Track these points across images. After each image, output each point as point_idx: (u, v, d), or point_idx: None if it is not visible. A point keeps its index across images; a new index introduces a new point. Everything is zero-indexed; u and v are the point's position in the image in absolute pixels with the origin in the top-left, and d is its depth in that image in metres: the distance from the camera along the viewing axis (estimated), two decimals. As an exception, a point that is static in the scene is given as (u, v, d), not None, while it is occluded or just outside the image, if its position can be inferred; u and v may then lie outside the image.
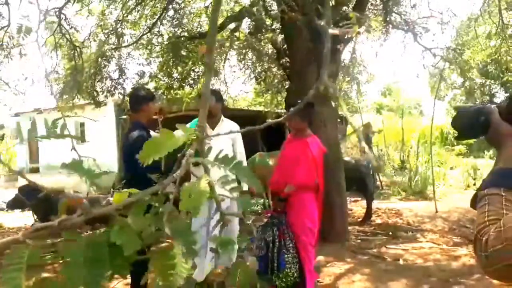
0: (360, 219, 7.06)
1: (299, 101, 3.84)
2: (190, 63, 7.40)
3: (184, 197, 0.68)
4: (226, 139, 3.89)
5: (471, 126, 1.16)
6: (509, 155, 1.03)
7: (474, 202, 1.03)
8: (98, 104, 6.90)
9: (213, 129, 3.88)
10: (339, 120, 16.21)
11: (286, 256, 3.39)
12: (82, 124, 14.95)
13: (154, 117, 3.62)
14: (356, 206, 8.52)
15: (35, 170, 16.03)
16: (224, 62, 8.94)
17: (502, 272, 0.86)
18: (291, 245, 3.44)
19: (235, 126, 4.07)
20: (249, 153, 7.85)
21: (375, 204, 8.37)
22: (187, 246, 0.67)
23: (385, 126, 14.96)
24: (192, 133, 0.78)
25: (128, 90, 6.46)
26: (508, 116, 1.07)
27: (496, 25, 7.98)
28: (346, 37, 2.65)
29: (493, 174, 1.03)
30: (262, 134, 12.69)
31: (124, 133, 3.27)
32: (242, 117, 12.30)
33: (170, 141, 0.72)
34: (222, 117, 4.00)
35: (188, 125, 3.67)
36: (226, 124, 3.98)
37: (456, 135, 1.27)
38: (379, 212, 7.78)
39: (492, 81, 20.76)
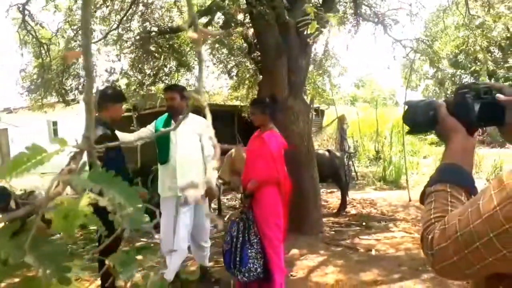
0: (335, 210, 7.16)
1: (266, 97, 3.87)
2: (161, 58, 7.29)
3: (56, 218, 0.61)
4: (192, 134, 3.85)
5: (421, 120, 1.16)
6: (454, 150, 1.03)
7: (423, 199, 1.03)
8: (67, 103, 6.74)
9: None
10: (315, 113, 16.39)
11: (249, 251, 3.40)
12: (54, 123, 14.63)
13: (128, 114, 3.58)
14: (332, 197, 8.62)
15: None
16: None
17: (448, 270, 0.86)
18: (255, 240, 3.45)
19: (201, 121, 4.02)
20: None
21: (350, 194, 8.50)
22: (59, 274, 0.58)
23: (360, 117, 15.16)
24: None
25: (99, 87, 6.32)
26: (454, 110, 1.07)
27: (463, 16, 8.15)
28: (306, 32, 2.64)
29: (439, 170, 1.04)
30: (239, 128, 12.65)
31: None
32: (218, 112, 12.29)
33: (39, 157, 0.62)
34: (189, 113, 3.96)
35: (155, 121, 3.64)
36: (192, 120, 3.94)
37: (407, 130, 1.28)
38: (354, 203, 7.91)
39: (463, 71, 21.26)
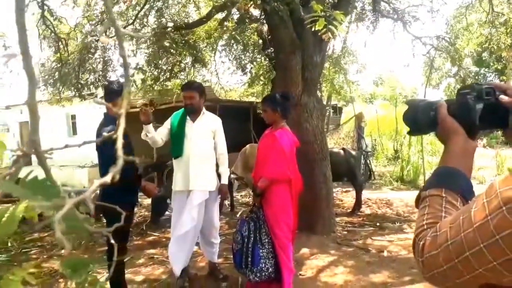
0: (350, 210, 7.07)
1: (276, 94, 3.82)
2: (177, 54, 7.32)
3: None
4: (207, 131, 3.90)
5: (421, 121, 1.11)
6: (452, 153, 0.98)
7: (418, 203, 0.99)
8: (82, 97, 6.84)
9: (194, 121, 3.87)
10: (332, 110, 16.24)
11: (261, 251, 3.37)
12: (73, 116, 14.90)
13: (146, 108, 3.60)
14: (347, 197, 8.52)
15: (27, 163, 15.95)
16: (214, 54, 8.86)
17: (438, 279, 0.83)
18: (266, 240, 3.42)
19: (216, 119, 4.05)
20: (242, 143, 7.84)
21: (366, 194, 8.38)
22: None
23: (379, 116, 14.95)
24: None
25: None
26: (455, 111, 1.02)
27: (487, 13, 7.91)
28: (314, 29, 2.58)
29: (435, 174, 0.99)
30: (254, 124, 12.64)
31: (97, 128, 3.23)
32: (234, 108, 12.32)
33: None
34: (204, 110, 3.97)
35: (171, 118, 3.65)
36: (207, 117, 3.97)
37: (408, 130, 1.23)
38: (369, 203, 7.79)
39: (486, 70, 20.70)
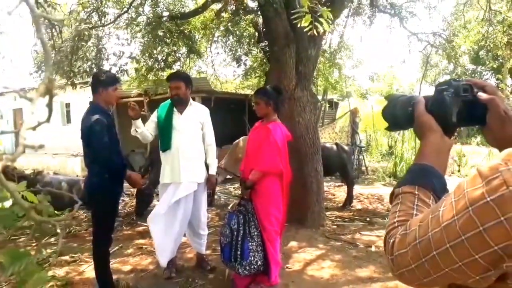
0: (341, 204, 7.09)
1: (269, 87, 3.80)
2: (171, 44, 7.26)
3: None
4: (195, 122, 3.87)
5: (400, 117, 1.10)
6: (427, 150, 0.97)
7: (392, 199, 0.98)
8: (74, 85, 6.78)
9: (181, 113, 3.84)
10: (328, 104, 16.21)
11: (250, 244, 3.37)
12: (67, 105, 14.79)
13: (139, 99, 3.58)
14: (340, 191, 8.55)
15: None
16: (211, 45, 8.80)
17: (407, 277, 0.82)
18: (256, 233, 3.41)
19: (204, 109, 4.02)
20: (236, 136, 7.82)
21: (359, 189, 8.41)
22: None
23: (375, 111, 14.94)
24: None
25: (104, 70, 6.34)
26: (432, 107, 1.00)
27: (485, 11, 7.89)
28: (299, 25, 2.56)
29: (409, 171, 0.98)
30: (249, 116, 12.61)
31: (83, 116, 3.20)
32: (229, 101, 12.27)
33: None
34: (191, 100, 3.94)
35: (157, 110, 3.62)
36: (195, 108, 3.93)
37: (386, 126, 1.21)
38: (361, 198, 7.82)
39: (483, 68, 20.72)
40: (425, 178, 0.91)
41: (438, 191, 0.90)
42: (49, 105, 0.65)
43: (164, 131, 3.85)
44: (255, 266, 3.37)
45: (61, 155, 13.31)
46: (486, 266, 0.68)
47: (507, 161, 0.66)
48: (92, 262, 3.60)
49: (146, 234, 5.49)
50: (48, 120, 0.71)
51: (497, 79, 20.84)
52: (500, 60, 16.36)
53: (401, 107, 1.09)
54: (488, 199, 0.65)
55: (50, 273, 4.08)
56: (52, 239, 5.27)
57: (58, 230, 0.67)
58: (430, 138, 0.96)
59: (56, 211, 5.36)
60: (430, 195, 0.89)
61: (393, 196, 0.96)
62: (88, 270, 4.10)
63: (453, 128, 1.00)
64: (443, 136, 0.97)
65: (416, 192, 0.89)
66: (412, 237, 0.78)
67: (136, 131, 3.77)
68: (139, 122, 3.72)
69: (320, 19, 2.48)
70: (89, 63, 5.99)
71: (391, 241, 0.84)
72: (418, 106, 1.02)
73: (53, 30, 6.96)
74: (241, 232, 3.39)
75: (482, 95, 0.93)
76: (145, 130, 3.82)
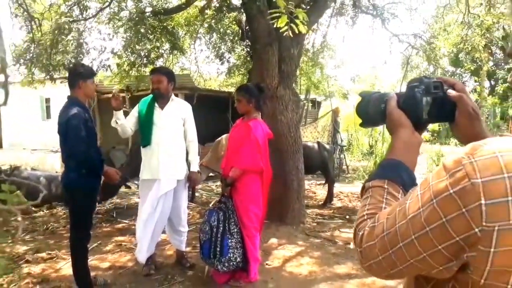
0: (321, 202, 7.16)
1: (252, 85, 3.81)
2: (154, 40, 7.19)
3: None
4: (176, 118, 3.85)
5: (373, 113, 1.12)
6: (397, 145, 0.99)
7: (363, 193, 1.00)
8: (53, 79, 6.66)
9: (162, 108, 3.81)
10: (311, 104, 16.29)
11: (229, 241, 3.38)
12: (47, 100, 14.52)
13: (121, 94, 3.54)
14: (321, 189, 8.62)
15: (-2, 146, 15.52)
16: (194, 42, 8.75)
17: (375, 269, 0.84)
18: (235, 230, 3.42)
19: (186, 105, 4.00)
20: (219, 133, 7.80)
21: (339, 187, 8.50)
22: None
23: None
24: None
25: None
26: (403, 104, 1.02)
27: (463, 14, 8.06)
28: (275, 26, 2.58)
29: (380, 165, 1.00)
30: (233, 113, 12.61)
31: (60, 110, 3.15)
32: (213, 98, 12.23)
33: None
34: (173, 96, 3.92)
35: (138, 104, 3.59)
36: (176, 104, 3.91)
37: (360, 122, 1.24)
38: (341, 196, 7.91)
39: (462, 70, 21.18)
40: (395, 173, 0.93)
41: (407, 185, 0.92)
42: (5, 86, 0.65)
43: (145, 126, 3.81)
44: (234, 263, 3.38)
45: (40, 150, 13.05)
46: (449, 256, 0.70)
47: (470, 154, 0.68)
48: (70, 259, 3.56)
49: (125, 231, 5.45)
50: (5, 103, 0.71)
51: (475, 81, 21.35)
52: (478, 63, 16.76)
53: (374, 104, 1.11)
54: (451, 191, 0.67)
55: (25, 270, 4.01)
56: (27, 236, 5.18)
57: (19, 218, 0.67)
58: (401, 134, 0.98)
59: (34, 208, 5.23)
60: (399, 189, 0.91)
61: (363, 190, 0.99)
62: (65, 267, 4.04)
63: (423, 124, 1.02)
64: (413, 132, 0.99)
65: (386, 186, 0.91)
66: (380, 229, 0.80)
67: (117, 123, 3.72)
68: (120, 113, 3.68)
69: (296, 20, 2.50)
70: (69, 56, 5.88)
71: (360, 233, 0.86)
72: (390, 102, 1.04)
73: (32, 22, 6.81)
74: (221, 228, 3.40)
75: (451, 92, 0.96)
76: (125, 122, 3.78)
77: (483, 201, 0.64)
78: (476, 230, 0.65)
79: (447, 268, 0.72)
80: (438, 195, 0.69)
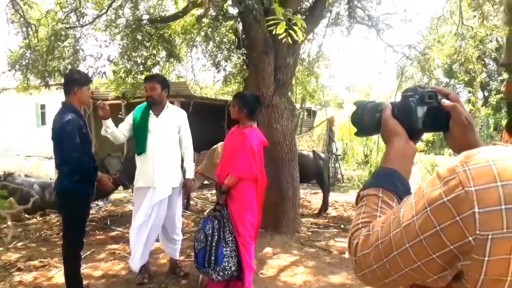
0: (316, 211, 7.15)
1: (249, 94, 3.82)
2: (151, 47, 7.20)
3: None
4: (171, 125, 3.84)
5: (367, 122, 1.12)
6: (392, 154, 0.99)
7: (357, 202, 1.00)
8: (47, 85, 6.64)
9: (157, 115, 3.81)
10: (306, 113, 16.32)
11: (224, 249, 3.35)
12: (43, 106, 14.46)
13: (117, 101, 3.54)
14: (316, 198, 8.62)
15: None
16: (191, 50, 8.77)
17: (369, 278, 0.83)
18: (230, 238, 3.40)
19: (181, 113, 4.00)
20: (215, 141, 7.79)
21: (334, 196, 8.50)
22: None
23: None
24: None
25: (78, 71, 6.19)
26: (398, 113, 1.03)
27: (457, 26, 8.15)
28: (274, 32, 2.60)
29: (374, 174, 1.00)
30: (228, 122, 12.62)
31: (54, 116, 3.14)
32: (209, 106, 12.23)
33: None
34: (168, 103, 3.92)
35: (133, 112, 3.58)
36: (171, 111, 3.91)
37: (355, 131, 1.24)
38: (336, 205, 7.91)
39: (456, 81, 21.37)
40: (389, 181, 0.94)
41: (401, 194, 0.92)
42: None
43: (139, 133, 3.80)
44: (229, 272, 3.35)
45: (35, 157, 12.96)
46: (443, 265, 0.70)
47: (464, 163, 0.68)
48: (62, 267, 3.52)
49: (119, 239, 5.40)
50: None
51: (469, 92, 21.54)
52: (472, 74, 16.91)
53: (369, 113, 1.11)
54: (445, 199, 0.67)
55: (17, 278, 3.97)
56: (20, 244, 5.12)
57: (9, 223, 0.66)
58: (395, 143, 0.99)
59: (27, 215, 5.19)
60: (394, 198, 0.91)
61: (358, 199, 0.99)
62: (58, 276, 3.99)
63: (418, 133, 1.03)
64: (408, 141, 0.99)
65: (380, 195, 0.91)
66: (375, 237, 0.80)
67: (106, 131, 3.71)
68: (109, 122, 3.66)
69: (295, 27, 2.51)
70: (65, 62, 5.87)
71: (355, 242, 0.86)
72: (384, 111, 1.04)
73: (29, 29, 6.81)
74: (216, 237, 3.38)
75: (445, 102, 0.97)
76: (116, 130, 3.76)
77: (476, 210, 0.64)
78: (470, 238, 0.65)
79: (441, 277, 0.72)
80: (432, 203, 0.69)
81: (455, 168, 0.69)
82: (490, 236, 0.63)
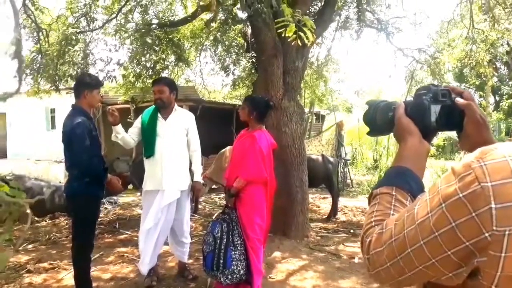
0: (325, 216, 7.10)
1: (261, 97, 3.82)
2: (160, 51, 7.25)
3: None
4: (180, 128, 3.85)
5: (380, 121, 1.11)
6: (405, 153, 0.98)
7: (370, 201, 0.98)
8: (58, 89, 6.72)
9: (166, 119, 3.82)
10: (315, 117, 16.30)
11: (233, 253, 3.33)
12: (53, 110, 14.61)
13: (126, 106, 3.56)
14: (324, 203, 8.57)
15: (2, 156, 15.58)
16: (200, 54, 8.82)
17: (382, 276, 0.82)
18: (239, 241, 3.38)
19: (189, 115, 4.01)
20: (223, 145, 7.79)
21: (343, 201, 8.44)
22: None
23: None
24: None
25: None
26: (411, 111, 1.02)
27: (468, 29, 8.09)
28: (283, 35, 2.59)
29: (387, 173, 0.99)
30: (237, 126, 12.64)
31: (64, 119, 3.16)
32: (217, 110, 12.26)
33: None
34: (176, 106, 3.93)
35: (141, 115, 3.60)
36: (179, 114, 3.92)
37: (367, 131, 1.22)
38: (345, 210, 7.84)
39: (467, 85, 21.19)
40: (403, 180, 0.92)
41: (415, 193, 0.90)
42: (19, 72, 0.64)
43: (148, 137, 3.81)
44: (238, 275, 3.33)
45: (44, 161, 13.08)
46: (458, 262, 0.69)
47: (480, 158, 0.67)
48: (72, 270, 3.53)
49: (127, 242, 5.41)
50: (18, 90, 0.70)
51: (480, 96, 21.34)
52: (483, 78, 16.75)
53: (381, 112, 1.10)
54: (461, 195, 0.66)
55: (27, 280, 3.99)
56: (30, 246, 5.16)
57: (28, 211, 0.66)
58: (409, 142, 0.97)
59: (36, 218, 5.22)
60: (407, 196, 0.90)
61: (371, 197, 0.97)
62: (67, 278, 4.01)
63: (431, 132, 1.01)
64: (421, 140, 0.98)
65: (394, 193, 0.90)
66: (388, 235, 0.78)
67: (117, 137, 3.72)
68: (119, 127, 3.68)
69: (304, 28, 2.50)
70: (75, 67, 5.94)
71: (368, 240, 0.85)
72: (398, 110, 1.03)
73: (40, 33, 6.90)
74: (224, 240, 3.36)
75: (459, 100, 0.95)
76: (126, 135, 3.78)
77: (493, 205, 0.63)
78: (486, 234, 0.64)
79: (456, 275, 0.71)
80: (447, 199, 0.68)
81: (471, 164, 0.68)
82: (507, 232, 0.62)
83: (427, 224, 0.71)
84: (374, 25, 7.64)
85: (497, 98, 23.51)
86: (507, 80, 21.11)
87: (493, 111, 21.59)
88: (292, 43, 2.61)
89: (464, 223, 0.65)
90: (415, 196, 0.90)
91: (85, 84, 3.20)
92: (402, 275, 0.77)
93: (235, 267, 3.32)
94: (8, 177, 7.44)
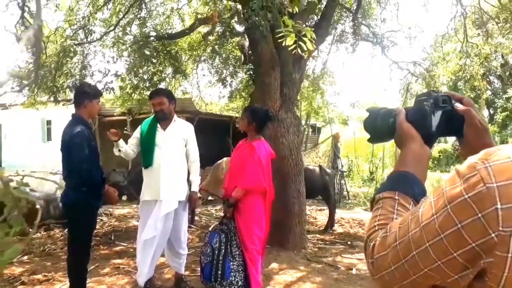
0: (322, 228, 7.09)
1: (261, 108, 3.84)
2: (157, 63, 7.30)
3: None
4: (178, 139, 3.85)
5: (381, 128, 1.12)
6: (407, 158, 0.99)
7: (372, 206, 0.99)
8: (57, 101, 6.72)
9: (165, 129, 3.82)
10: (311, 129, 16.36)
11: (231, 263, 3.31)
12: (49, 122, 14.57)
13: (123, 117, 3.57)
14: (321, 215, 8.55)
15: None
16: (197, 66, 8.88)
17: (386, 280, 0.81)
18: (237, 252, 3.37)
19: (188, 126, 4.01)
20: (220, 157, 7.80)
21: (340, 213, 8.42)
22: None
23: (356, 137, 15.16)
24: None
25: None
26: (412, 117, 1.03)
27: (462, 43, 8.21)
28: (283, 44, 2.62)
29: (390, 177, 0.99)
30: (233, 138, 12.65)
31: (64, 128, 3.17)
32: (214, 122, 12.30)
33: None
34: (175, 117, 3.94)
35: (140, 126, 3.60)
36: (178, 124, 3.92)
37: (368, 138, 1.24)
38: (342, 222, 7.83)
39: (461, 98, 21.34)
40: (405, 184, 0.92)
41: (418, 197, 0.91)
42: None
43: (147, 147, 3.81)
44: (236, 286, 3.31)
45: (40, 172, 12.99)
46: (464, 264, 0.68)
47: (484, 159, 0.68)
48: (66, 281, 3.48)
49: (123, 253, 5.36)
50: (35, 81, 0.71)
51: (474, 110, 21.49)
52: (477, 91, 16.93)
53: (382, 118, 1.11)
54: (466, 196, 0.66)
55: (21, 292, 3.93)
56: (24, 258, 5.09)
57: (37, 206, 0.66)
58: (410, 147, 0.98)
59: (31, 229, 5.16)
60: (410, 201, 0.90)
61: (373, 202, 0.98)
62: (62, 290, 3.95)
63: (432, 137, 1.02)
64: (423, 145, 0.99)
65: (396, 197, 0.90)
66: (392, 238, 0.78)
67: (120, 151, 3.73)
68: (121, 142, 3.69)
69: (304, 38, 2.54)
70: (73, 79, 5.95)
71: (372, 244, 0.84)
72: (399, 115, 1.04)
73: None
74: (223, 251, 3.34)
75: (459, 106, 0.97)
76: (127, 148, 3.78)
77: (499, 206, 0.63)
78: (493, 235, 0.63)
79: (462, 277, 0.71)
80: (452, 200, 0.68)
81: (476, 165, 0.68)
82: None
83: (432, 226, 0.70)
84: (369, 39, 7.75)
85: (491, 111, 23.71)
86: (500, 93, 21.31)
87: (487, 124, 21.71)
88: (293, 52, 2.64)
89: (470, 224, 0.65)
90: (417, 200, 0.90)
91: (86, 94, 3.22)
92: (407, 279, 0.77)
93: (233, 278, 3.30)
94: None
